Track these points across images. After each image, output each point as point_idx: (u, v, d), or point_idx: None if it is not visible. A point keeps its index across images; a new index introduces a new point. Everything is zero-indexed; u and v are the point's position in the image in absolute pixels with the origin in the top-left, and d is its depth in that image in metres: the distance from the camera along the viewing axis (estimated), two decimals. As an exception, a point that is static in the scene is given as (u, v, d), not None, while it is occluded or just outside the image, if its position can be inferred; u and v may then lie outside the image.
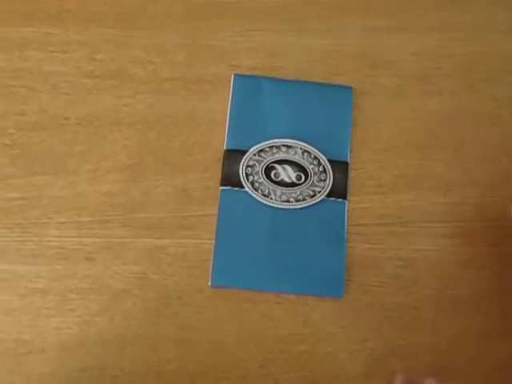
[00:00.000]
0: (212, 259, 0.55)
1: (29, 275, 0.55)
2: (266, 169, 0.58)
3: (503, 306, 0.55)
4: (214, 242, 0.56)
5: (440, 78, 0.63)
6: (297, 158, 0.58)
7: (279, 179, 0.58)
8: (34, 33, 0.64)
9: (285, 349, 0.55)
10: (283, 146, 0.58)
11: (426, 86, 0.63)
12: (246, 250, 0.56)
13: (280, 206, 0.57)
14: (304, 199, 0.57)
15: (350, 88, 0.62)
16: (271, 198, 0.57)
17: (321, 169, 0.58)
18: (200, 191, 0.59)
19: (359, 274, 0.56)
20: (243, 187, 0.57)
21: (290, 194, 0.57)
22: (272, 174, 0.58)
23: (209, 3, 0.66)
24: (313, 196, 0.57)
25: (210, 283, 0.55)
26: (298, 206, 0.57)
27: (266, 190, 0.57)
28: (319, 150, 0.58)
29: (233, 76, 0.61)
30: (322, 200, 0.57)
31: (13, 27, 0.64)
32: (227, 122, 0.60)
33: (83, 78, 0.63)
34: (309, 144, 0.58)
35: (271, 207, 0.57)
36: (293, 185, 0.58)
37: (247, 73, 0.63)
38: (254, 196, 0.57)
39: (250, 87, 0.61)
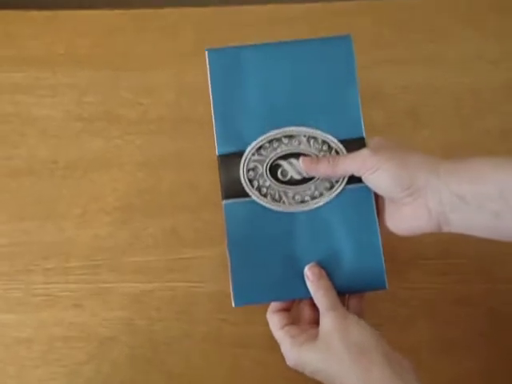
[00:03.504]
0: (230, 279, 0.48)
1: (14, 324, 0.54)
2: (270, 168, 0.49)
3: (500, 346, 0.53)
4: (228, 261, 0.49)
5: (430, 111, 0.62)
6: (303, 148, 0.49)
7: (288, 178, 0.49)
8: (23, 78, 0.65)
9: (278, 395, 0.53)
10: (284, 137, 0.49)
11: (415, 120, 0.62)
12: (266, 261, 0.48)
13: (296, 210, 0.49)
14: (321, 194, 0.49)
15: (348, 37, 0.52)
16: (284, 202, 0.49)
17: (333, 153, 0.49)
18: (189, 233, 0.58)
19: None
20: (249, 196, 0.49)
21: (304, 192, 0.49)
22: (279, 174, 0.49)
23: (197, 42, 0.67)
24: (331, 188, 0.49)
25: (233, 304, 0.48)
26: (316, 205, 0.49)
27: (276, 194, 0.49)
28: (327, 132, 0.49)
29: (207, 53, 0.51)
30: (343, 190, 0.49)
31: (2, 72, 0.65)
32: (212, 114, 0.50)
33: (72, 121, 0.63)
34: (313, 127, 0.50)
35: (286, 213, 0.49)
36: (305, 181, 0.49)
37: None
38: (264, 204, 0.49)
39: (229, 62, 0.51)
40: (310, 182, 0.49)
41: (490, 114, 0.62)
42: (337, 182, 0.49)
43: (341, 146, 0.49)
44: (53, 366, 0.53)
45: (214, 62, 0.50)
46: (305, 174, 0.49)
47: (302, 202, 0.49)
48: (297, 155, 0.49)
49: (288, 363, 0.46)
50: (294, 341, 0.45)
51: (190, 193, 0.59)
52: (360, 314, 0.46)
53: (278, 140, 0.49)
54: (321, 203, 0.49)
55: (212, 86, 0.50)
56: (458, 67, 0.64)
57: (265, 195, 0.49)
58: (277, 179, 0.49)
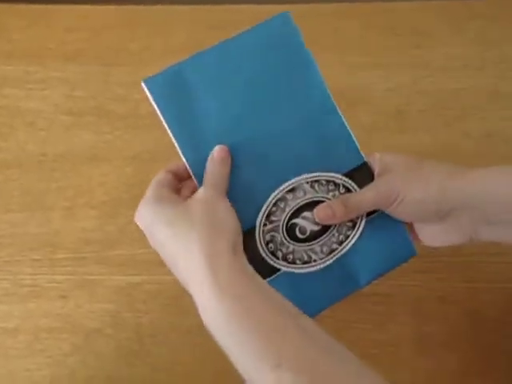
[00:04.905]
0: None
1: (1, 314, 0.54)
2: (287, 232, 0.45)
3: (480, 343, 0.55)
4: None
5: (415, 114, 0.64)
6: (310, 197, 0.45)
7: (308, 233, 0.45)
8: (13, 71, 0.65)
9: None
10: (286, 192, 0.44)
11: (401, 122, 0.64)
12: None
13: (329, 262, 0.45)
14: (347, 236, 0.45)
15: (285, 14, 0.46)
16: (315, 261, 0.45)
17: (342, 190, 0.45)
18: (176, 227, 0.58)
19: (339, 310, 0.56)
20: (278, 270, 0.44)
21: (329, 241, 0.45)
22: (297, 233, 0.45)
23: (189, 41, 0.68)
24: (354, 226, 0.45)
25: None
26: (346, 248, 0.45)
27: (304, 256, 0.45)
28: (325, 169, 0.45)
29: (143, 84, 0.43)
30: (367, 224, 0.45)
31: (-8, 66, 0.65)
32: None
33: (61, 115, 0.63)
34: (310, 171, 0.45)
35: (320, 269, 0.45)
36: (325, 229, 0.45)
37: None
38: (296, 271, 0.44)
39: (173, 86, 0.44)
40: (331, 228, 0.45)
41: (471, 118, 0.64)
42: (357, 217, 0.45)
43: (347, 180, 0.45)
44: (38, 356, 0.53)
45: (156, 92, 0.43)
46: (323, 223, 0.45)
47: (332, 251, 0.45)
48: (307, 206, 0.45)
49: (136, 216, 0.43)
50: (158, 196, 0.42)
51: (177, 188, 0.60)
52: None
53: (282, 199, 0.44)
54: (350, 245, 0.45)
55: (168, 124, 0.43)
56: (442, 71, 0.66)
57: (293, 261, 0.45)
58: (298, 239, 0.45)
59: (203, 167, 0.43)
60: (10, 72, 0.65)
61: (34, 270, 0.56)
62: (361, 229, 0.46)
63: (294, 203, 0.44)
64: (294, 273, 0.44)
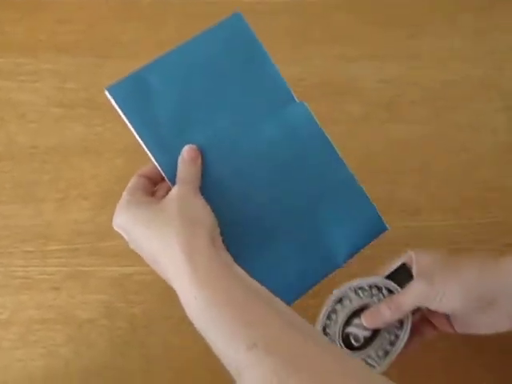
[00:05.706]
0: None
1: (-8, 306, 0.55)
2: (344, 342, 0.46)
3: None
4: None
5: (406, 105, 0.64)
6: (356, 305, 0.47)
7: (362, 340, 0.46)
8: (3, 63, 0.65)
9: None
10: (336, 303, 0.47)
11: (392, 113, 0.64)
12: None
13: (386, 366, 0.46)
14: (396, 336, 0.47)
15: (238, 15, 0.47)
16: (373, 366, 0.46)
17: (385, 292, 0.47)
18: (169, 218, 0.58)
19: (322, 291, 0.56)
20: None
21: (382, 344, 0.47)
22: (352, 341, 0.46)
23: (181, 33, 0.67)
24: (401, 325, 0.47)
25: None
26: (399, 348, 0.47)
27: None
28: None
29: (107, 92, 0.45)
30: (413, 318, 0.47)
31: (-18, 58, 0.65)
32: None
33: (52, 107, 0.63)
34: (353, 280, 0.47)
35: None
36: (377, 333, 0.46)
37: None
38: None
39: (137, 93, 0.44)
40: (381, 331, 0.47)
41: (462, 109, 0.64)
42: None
43: (388, 282, 0.47)
44: (31, 347, 0.53)
45: (121, 99, 0.44)
46: (372, 327, 0.47)
47: (386, 353, 0.47)
48: (355, 314, 0.47)
49: (114, 221, 0.44)
50: (133, 199, 0.43)
51: (169, 180, 0.60)
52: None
53: (333, 311, 0.47)
54: (402, 344, 0.47)
55: (135, 130, 0.44)
56: (433, 63, 0.67)
57: None
58: (353, 348, 0.46)
59: (175, 168, 0.44)
60: (1, 64, 0.64)
61: (26, 262, 0.56)
62: (409, 326, 0.47)
63: (343, 313, 0.46)
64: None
